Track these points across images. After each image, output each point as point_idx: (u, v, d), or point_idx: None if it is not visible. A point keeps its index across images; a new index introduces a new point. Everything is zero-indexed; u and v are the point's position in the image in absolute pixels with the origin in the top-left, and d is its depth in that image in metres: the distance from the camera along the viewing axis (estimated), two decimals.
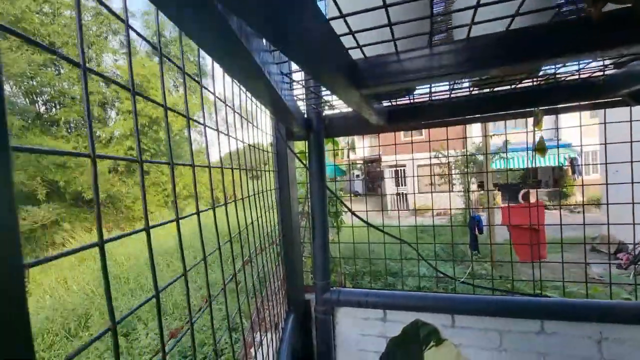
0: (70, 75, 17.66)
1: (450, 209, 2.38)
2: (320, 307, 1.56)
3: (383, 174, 17.52)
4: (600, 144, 1.52)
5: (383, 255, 1.91)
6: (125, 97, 18.07)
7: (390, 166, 17.10)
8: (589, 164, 15.55)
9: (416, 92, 1.37)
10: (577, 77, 1.22)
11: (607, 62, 1.08)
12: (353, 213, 1.59)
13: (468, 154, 10.42)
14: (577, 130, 1.48)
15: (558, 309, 1.30)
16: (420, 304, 1.45)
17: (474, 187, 10.89)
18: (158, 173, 18.06)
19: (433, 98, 1.39)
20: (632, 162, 1.35)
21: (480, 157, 9.68)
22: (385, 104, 1.44)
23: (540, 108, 1.31)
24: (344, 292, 1.55)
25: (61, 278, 8.13)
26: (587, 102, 1.27)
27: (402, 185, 16.75)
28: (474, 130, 13.50)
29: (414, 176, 2.02)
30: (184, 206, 16.37)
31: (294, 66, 1.22)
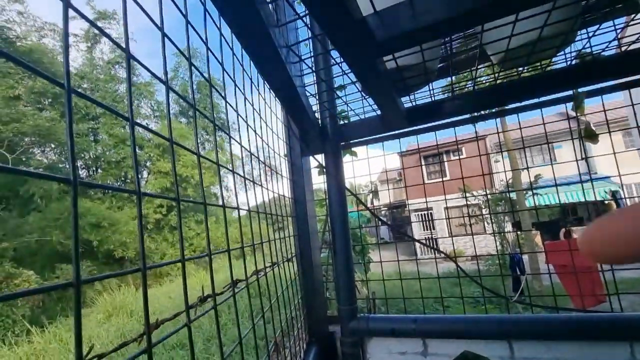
0: (108, 143, 19.32)
1: (497, 250, 2.13)
2: (347, 339, 1.32)
3: (410, 220, 16.92)
4: None
5: (414, 302, 1.67)
6: (156, 159, 19.35)
7: (416, 210, 16.53)
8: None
9: (436, 88, 1.29)
10: (616, 49, 1.10)
11: None
12: (388, 224, 1.42)
13: (498, 191, 9.94)
14: (614, 162, 1.28)
15: None
16: (467, 328, 1.20)
17: (508, 227, 10.17)
18: (185, 228, 18.44)
19: (455, 93, 1.30)
20: None
21: (512, 195, 9.15)
22: (406, 105, 1.35)
23: (580, 90, 1.18)
24: (374, 318, 1.32)
25: (86, 337, 7.96)
26: (635, 78, 1.12)
27: (431, 229, 16.03)
28: (499, 167, 13.18)
29: (446, 218, 1.85)
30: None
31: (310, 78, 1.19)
